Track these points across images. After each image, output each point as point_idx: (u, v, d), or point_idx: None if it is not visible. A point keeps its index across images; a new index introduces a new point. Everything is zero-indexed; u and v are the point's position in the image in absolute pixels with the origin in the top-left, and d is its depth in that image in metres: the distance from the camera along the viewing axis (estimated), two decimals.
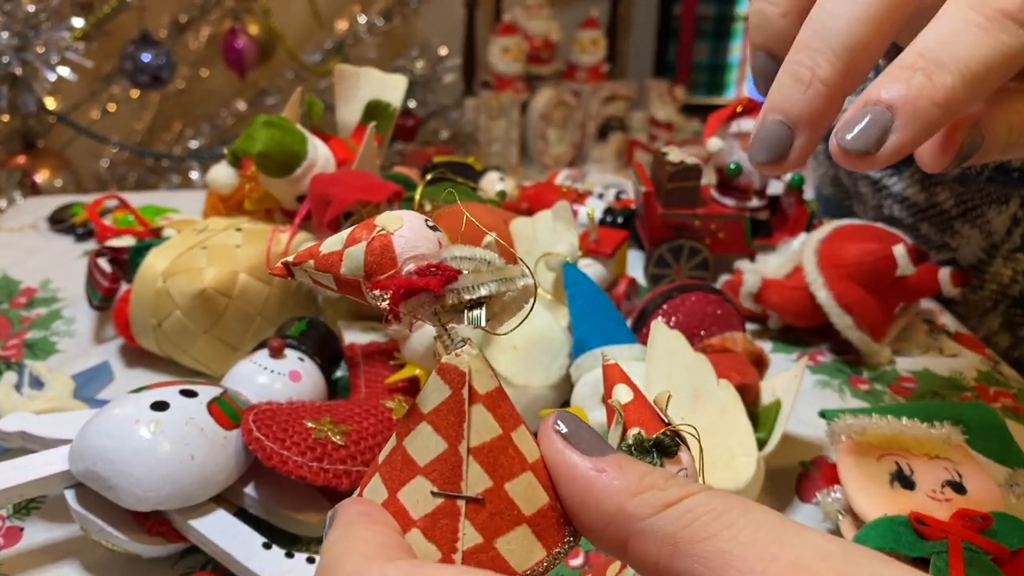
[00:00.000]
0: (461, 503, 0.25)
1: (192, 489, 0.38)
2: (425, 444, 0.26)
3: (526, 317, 0.27)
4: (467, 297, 0.26)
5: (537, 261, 0.52)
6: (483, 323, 0.26)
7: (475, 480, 0.26)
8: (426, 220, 0.27)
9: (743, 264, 0.62)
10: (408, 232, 0.27)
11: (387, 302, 0.26)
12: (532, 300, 0.27)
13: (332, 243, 0.28)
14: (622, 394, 0.33)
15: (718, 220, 0.64)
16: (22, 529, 0.42)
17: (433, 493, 0.26)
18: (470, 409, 0.26)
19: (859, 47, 0.34)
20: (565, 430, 0.27)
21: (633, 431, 0.32)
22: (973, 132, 0.37)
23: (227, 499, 0.41)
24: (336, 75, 0.67)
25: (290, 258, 0.28)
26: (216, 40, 1.70)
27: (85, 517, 0.39)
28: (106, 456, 0.38)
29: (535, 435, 0.27)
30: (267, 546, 0.38)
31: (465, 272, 0.26)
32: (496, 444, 0.26)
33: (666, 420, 0.33)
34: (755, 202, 0.65)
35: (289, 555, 0.38)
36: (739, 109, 0.64)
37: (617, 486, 0.25)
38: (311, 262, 0.28)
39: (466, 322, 0.26)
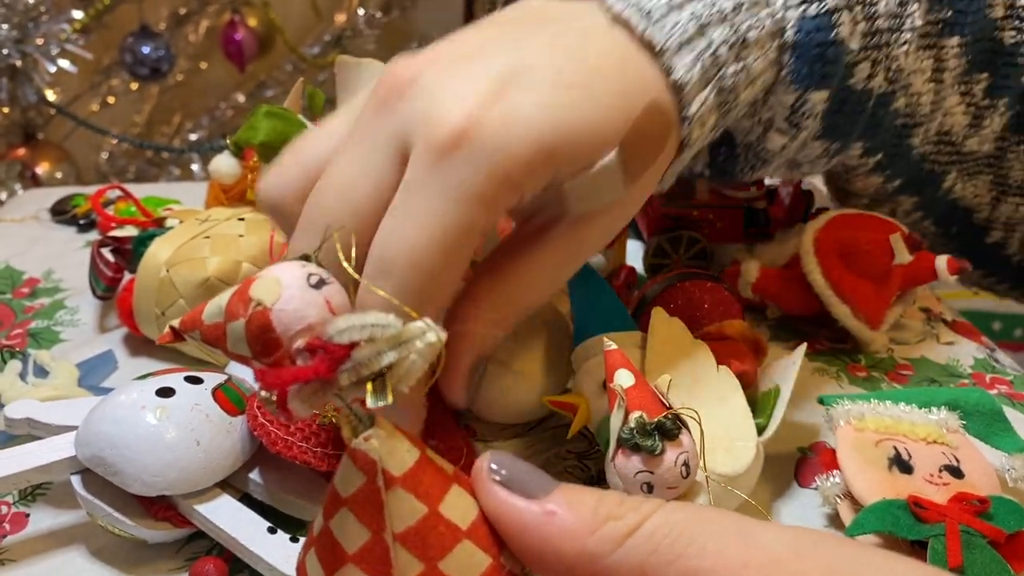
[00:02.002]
0: None
1: (198, 475, 0.39)
2: (350, 531, 0.25)
3: (436, 375, 0.25)
4: (365, 373, 0.23)
5: None
6: (388, 400, 0.24)
7: (406, 567, 0.24)
8: (308, 276, 0.24)
9: (741, 254, 0.62)
10: (288, 302, 0.24)
11: (275, 404, 0.23)
12: (440, 356, 0.24)
13: (213, 312, 0.25)
14: (624, 379, 0.34)
15: (716, 210, 0.64)
16: (28, 515, 0.43)
17: None
18: (388, 495, 0.24)
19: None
20: (504, 474, 0.25)
21: (635, 414, 0.33)
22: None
23: (232, 485, 0.41)
24: (337, 66, 0.67)
25: (176, 323, 0.26)
26: (215, 32, 1.70)
27: (92, 503, 0.39)
28: (112, 442, 0.38)
29: (470, 483, 0.26)
30: (272, 531, 0.39)
31: (360, 344, 0.23)
32: (423, 526, 0.24)
33: (667, 404, 0.34)
34: (753, 192, 0.65)
35: (294, 540, 0.38)
36: None
37: (572, 526, 0.24)
38: (197, 332, 0.25)
39: (368, 400, 0.24)
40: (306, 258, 0.26)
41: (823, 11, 0.45)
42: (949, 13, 0.51)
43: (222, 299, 0.25)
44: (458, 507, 0.25)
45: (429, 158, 0.35)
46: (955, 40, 0.52)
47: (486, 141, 0.34)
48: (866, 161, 0.56)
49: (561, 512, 0.24)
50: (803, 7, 0.45)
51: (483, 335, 0.40)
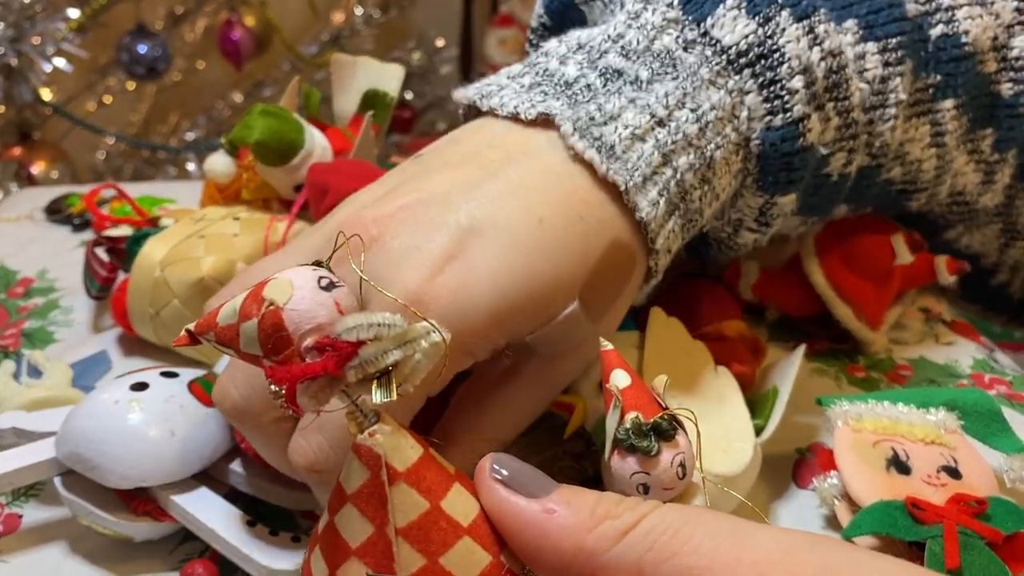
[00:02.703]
0: None
1: (174, 465, 0.39)
2: (353, 526, 0.25)
3: (440, 374, 0.26)
4: (371, 370, 0.24)
5: None
6: (393, 397, 0.25)
7: (407, 561, 0.25)
8: (319, 279, 0.26)
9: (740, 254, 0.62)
10: (299, 303, 0.25)
11: (284, 398, 0.24)
12: (444, 356, 0.26)
13: (227, 314, 0.26)
14: (620, 379, 0.34)
15: None
16: (21, 516, 0.43)
17: (368, 575, 0.25)
18: (391, 490, 0.25)
19: None
20: (505, 474, 0.26)
21: (631, 415, 0.32)
22: None
23: (216, 478, 0.41)
24: (333, 64, 0.66)
25: (192, 326, 0.27)
26: (212, 32, 1.69)
27: (73, 502, 0.39)
28: (87, 436, 0.38)
29: (472, 484, 0.27)
30: (251, 523, 0.39)
31: (366, 342, 0.24)
32: (424, 520, 0.25)
33: (664, 405, 0.33)
34: None
35: (273, 533, 0.39)
36: None
37: (571, 524, 0.25)
38: (212, 334, 0.26)
39: (374, 398, 0.25)
40: (318, 264, 0.27)
41: (789, 121, 0.43)
42: (938, 77, 0.49)
43: (236, 302, 0.26)
44: (460, 504, 0.26)
45: None
46: (950, 103, 0.50)
47: (438, 312, 0.34)
48: (853, 214, 0.56)
49: (560, 510, 0.25)
50: (767, 119, 0.43)
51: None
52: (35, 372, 0.50)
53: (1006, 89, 0.52)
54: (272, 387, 0.24)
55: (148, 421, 0.39)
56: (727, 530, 0.23)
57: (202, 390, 0.42)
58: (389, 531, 0.25)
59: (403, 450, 0.25)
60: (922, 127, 0.50)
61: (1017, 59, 0.51)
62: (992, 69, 0.51)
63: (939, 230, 0.60)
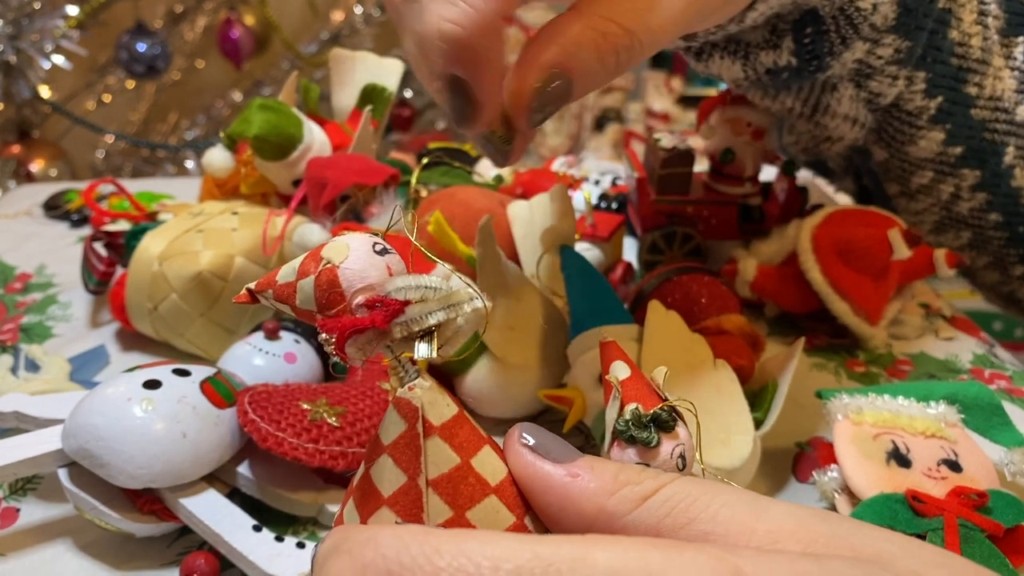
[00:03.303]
0: None
1: (184, 467, 0.38)
2: (387, 476, 0.26)
3: (479, 340, 0.27)
4: (415, 328, 0.26)
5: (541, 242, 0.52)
6: (433, 354, 0.26)
7: (436, 512, 0.26)
8: (374, 244, 0.27)
9: (738, 252, 0.62)
10: (354, 263, 0.26)
11: (333, 346, 0.26)
12: (484, 323, 0.27)
13: (286, 273, 0.28)
14: (619, 371, 0.34)
15: (710, 206, 0.64)
16: (18, 510, 0.42)
17: (398, 524, 0.26)
18: (426, 443, 0.26)
19: None
20: (532, 442, 0.27)
21: (630, 407, 0.32)
22: (548, 76, 0.36)
23: (220, 479, 0.41)
24: (332, 59, 0.66)
25: (253, 285, 0.29)
26: (212, 30, 1.70)
27: (78, 496, 0.39)
28: (98, 434, 0.38)
29: (501, 451, 0.27)
30: (257, 528, 0.38)
31: (412, 302, 0.26)
32: (455, 475, 0.26)
33: (663, 396, 0.33)
34: (747, 188, 0.65)
35: (279, 539, 0.38)
36: (730, 96, 0.64)
37: (593, 488, 0.25)
38: (270, 291, 0.28)
39: (415, 354, 0.26)
40: (374, 234, 0.29)
41: None
42: None
43: (295, 262, 0.28)
44: (489, 465, 0.27)
45: None
46: None
47: None
48: (928, 104, 0.57)
49: (584, 474, 0.26)
50: None
51: (580, 43, 0.36)
52: (33, 366, 0.50)
53: None
54: (323, 335, 0.26)
55: (161, 422, 0.38)
56: (744, 501, 0.24)
57: (214, 391, 0.41)
58: (421, 481, 0.26)
59: (439, 406, 0.27)
60: (971, 1, 0.56)
61: None
62: None
63: (998, 151, 0.60)
